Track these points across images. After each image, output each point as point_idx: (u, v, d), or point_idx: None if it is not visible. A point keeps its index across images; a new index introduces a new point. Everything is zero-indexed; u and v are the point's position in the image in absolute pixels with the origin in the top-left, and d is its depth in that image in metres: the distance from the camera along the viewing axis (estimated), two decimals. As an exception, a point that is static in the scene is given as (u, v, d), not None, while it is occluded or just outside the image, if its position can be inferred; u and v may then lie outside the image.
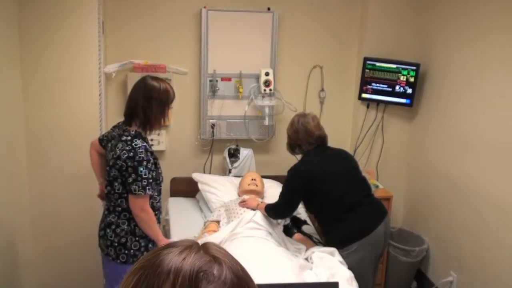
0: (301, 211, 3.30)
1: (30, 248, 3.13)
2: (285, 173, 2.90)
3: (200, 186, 3.48)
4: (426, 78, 3.62)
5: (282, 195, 2.81)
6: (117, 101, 3.49)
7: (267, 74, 3.56)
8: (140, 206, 2.38)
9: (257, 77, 3.63)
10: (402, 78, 3.61)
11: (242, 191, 3.32)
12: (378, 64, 3.65)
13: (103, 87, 3.31)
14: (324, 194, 2.74)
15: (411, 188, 3.91)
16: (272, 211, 2.85)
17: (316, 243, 2.94)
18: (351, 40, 3.82)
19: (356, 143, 3.84)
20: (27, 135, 3.00)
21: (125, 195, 2.41)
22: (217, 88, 3.62)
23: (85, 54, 2.99)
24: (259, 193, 3.30)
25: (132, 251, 2.45)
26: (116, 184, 2.40)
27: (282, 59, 3.73)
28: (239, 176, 3.56)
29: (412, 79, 3.58)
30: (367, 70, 3.68)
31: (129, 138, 2.37)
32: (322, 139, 2.88)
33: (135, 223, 2.44)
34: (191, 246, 0.73)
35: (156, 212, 2.52)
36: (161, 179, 2.55)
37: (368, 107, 3.79)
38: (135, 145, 2.33)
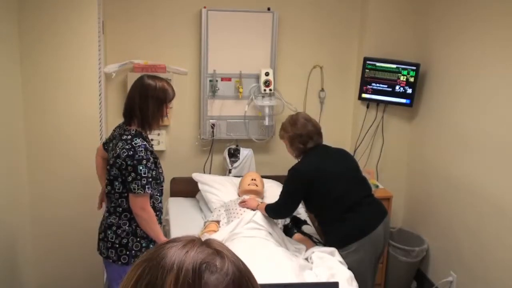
0: (301, 211, 3.30)
1: (30, 248, 3.13)
2: (285, 173, 2.90)
3: (200, 186, 3.48)
4: (426, 78, 3.62)
5: (282, 195, 2.81)
6: (117, 101, 3.49)
7: (267, 74, 3.56)
8: (140, 205, 2.37)
9: (257, 77, 3.63)
10: (402, 78, 3.61)
11: (242, 191, 3.32)
12: (378, 64, 3.65)
13: (103, 87, 3.31)
14: (324, 194, 2.74)
15: (411, 188, 3.91)
16: (272, 211, 2.85)
17: (316, 243, 2.94)
18: (351, 40, 3.82)
19: (356, 143, 3.84)
20: (27, 135, 3.00)
21: (126, 194, 2.40)
22: (217, 88, 3.62)
23: (85, 54, 2.99)
24: (259, 193, 3.30)
25: (133, 252, 2.44)
26: (117, 183, 2.40)
27: (282, 59, 3.73)
28: (239, 176, 3.56)
29: (412, 79, 3.58)
30: (367, 70, 3.68)
31: (129, 137, 2.37)
32: (320, 134, 2.90)
33: (136, 224, 2.43)
34: (193, 240, 0.75)
35: (157, 213, 2.52)
36: (162, 179, 2.55)
37: (368, 107, 3.79)
38: (135, 144, 2.33)
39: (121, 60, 3.46)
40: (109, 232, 2.46)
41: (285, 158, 3.23)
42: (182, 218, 3.31)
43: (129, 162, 2.32)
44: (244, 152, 3.72)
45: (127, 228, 2.44)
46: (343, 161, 2.89)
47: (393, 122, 3.84)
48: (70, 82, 3.00)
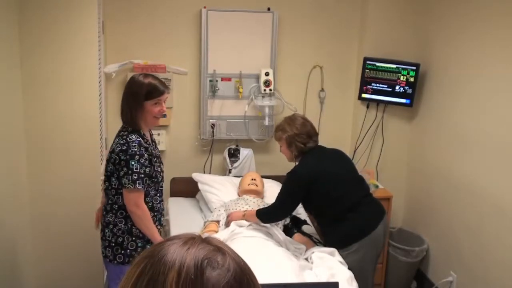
0: (301, 211, 3.29)
1: (30, 248, 3.13)
2: (285, 173, 2.90)
3: (200, 186, 3.48)
4: (426, 78, 3.62)
5: (280, 197, 2.79)
6: (117, 101, 3.45)
7: (267, 74, 3.56)
8: (134, 201, 2.37)
9: (257, 77, 3.63)
10: (402, 78, 3.61)
11: (242, 191, 3.32)
12: (378, 64, 3.65)
13: (103, 87, 3.31)
14: (324, 195, 2.73)
15: (411, 188, 3.91)
16: (267, 215, 2.81)
17: (316, 243, 2.94)
18: (351, 40, 3.82)
19: (356, 143, 3.84)
20: (27, 135, 3.00)
21: (121, 191, 2.41)
22: (217, 88, 3.62)
23: (85, 54, 2.99)
24: (259, 193, 3.30)
25: (128, 251, 2.44)
26: (113, 179, 2.41)
27: (282, 59, 3.73)
28: (239, 176, 3.56)
29: (412, 79, 3.58)
30: (367, 70, 3.68)
31: (125, 133, 2.40)
32: (316, 135, 2.91)
33: (132, 223, 2.44)
34: (193, 238, 0.76)
35: (156, 213, 2.52)
36: (160, 178, 2.54)
37: (368, 107, 3.79)
38: (129, 139, 2.35)
39: (121, 60, 3.46)
40: (106, 231, 2.47)
41: (285, 158, 3.22)
42: (182, 218, 3.32)
43: (122, 157, 2.34)
44: (244, 152, 3.72)
45: (122, 226, 2.45)
46: (340, 161, 2.88)
47: (393, 122, 3.84)
48: (70, 82, 3.00)
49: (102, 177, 2.59)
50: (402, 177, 3.95)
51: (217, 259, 0.72)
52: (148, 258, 0.73)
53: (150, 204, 2.47)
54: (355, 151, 3.84)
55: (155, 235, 2.43)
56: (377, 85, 3.68)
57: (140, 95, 2.39)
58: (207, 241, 0.75)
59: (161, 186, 2.58)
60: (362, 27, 3.75)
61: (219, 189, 3.41)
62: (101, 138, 3.17)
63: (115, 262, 2.45)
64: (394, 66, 3.62)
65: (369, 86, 3.70)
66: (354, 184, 2.83)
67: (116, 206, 2.45)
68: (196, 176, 3.54)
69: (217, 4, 3.55)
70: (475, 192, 3.09)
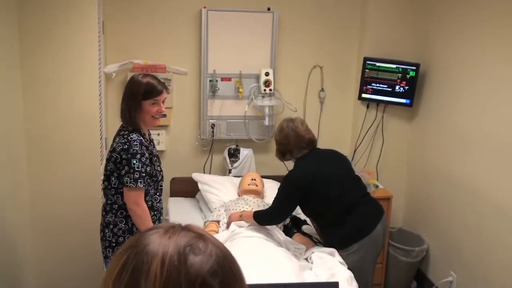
0: (301, 211, 3.29)
1: (30, 247, 3.13)
2: (285, 173, 2.90)
3: (200, 186, 3.48)
4: (426, 78, 3.62)
5: (277, 200, 2.77)
6: (117, 101, 3.45)
7: (267, 74, 3.56)
8: (134, 200, 2.38)
9: (257, 77, 3.63)
10: (402, 78, 3.61)
11: (242, 191, 3.32)
12: (378, 64, 3.65)
13: (103, 87, 3.31)
14: (321, 197, 2.72)
15: (411, 188, 3.91)
16: (264, 218, 2.80)
17: (316, 243, 2.94)
18: (351, 40, 3.82)
19: (356, 143, 3.84)
20: (27, 135, 3.00)
21: (121, 190, 2.41)
22: (217, 88, 3.62)
23: (85, 54, 2.99)
24: (259, 193, 3.30)
25: None
26: (113, 178, 2.41)
27: (282, 59, 3.73)
28: (239, 176, 3.56)
29: (412, 79, 3.58)
30: (367, 70, 3.68)
31: (126, 132, 2.41)
32: (313, 142, 2.85)
33: (133, 222, 2.44)
34: (174, 226, 0.78)
35: (156, 212, 2.52)
36: (159, 177, 2.55)
37: (368, 107, 3.79)
38: (131, 138, 2.36)
39: (121, 60, 3.46)
40: (106, 231, 2.47)
41: (285, 158, 3.23)
42: (182, 218, 3.31)
43: (123, 156, 2.34)
44: (244, 152, 3.72)
45: (123, 226, 2.45)
46: (337, 162, 2.87)
47: (393, 122, 3.84)
48: (70, 82, 3.00)
49: (102, 177, 2.59)
50: (402, 177, 3.95)
51: (199, 245, 0.73)
52: (131, 248, 0.74)
53: (150, 203, 2.48)
54: (355, 151, 3.84)
55: None
56: (377, 85, 3.68)
57: (138, 95, 2.40)
58: (187, 228, 0.77)
59: (161, 185, 2.59)
60: (362, 27, 3.75)
61: (219, 189, 3.41)
62: (101, 138, 3.17)
63: None
64: (394, 66, 3.61)
65: (369, 86, 3.70)
66: (351, 184, 2.82)
67: (116, 206, 2.45)
68: (196, 176, 3.54)
69: (217, 4, 3.55)
70: (475, 192, 3.09)
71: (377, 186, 3.66)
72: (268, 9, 3.60)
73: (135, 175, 2.34)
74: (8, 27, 2.76)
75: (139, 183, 2.35)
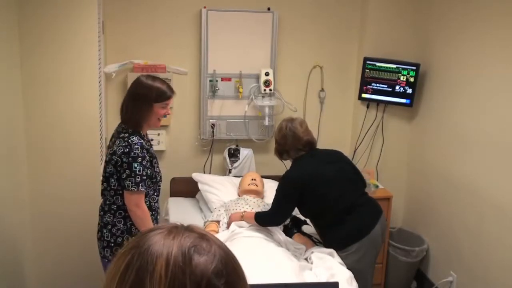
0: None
1: (30, 246, 3.13)
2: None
3: (200, 186, 3.48)
4: (426, 78, 3.62)
5: (275, 202, 2.78)
6: (117, 101, 3.47)
7: (267, 74, 3.56)
8: (135, 202, 2.38)
9: (257, 77, 3.63)
10: (402, 78, 3.61)
11: (242, 191, 3.32)
12: (378, 64, 3.65)
13: (103, 87, 3.31)
14: (319, 198, 2.72)
15: (411, 188, 3.91)
16: (264, 219, 2.81)
17: (316, 243, 2.94)
18: (351, 40, 3.82)
19: (356, 143, 3.84)
20: (27, 135, 3.00)
21: (121, 192, 2.42)
22: (217, 88, 3.62)
23: (85, 54, 2.99)
24: (259, 193, 3.30)
25: None
26: (112, 180, 2.41)
27: (282, 59, 3.73)
28: (239, 176, 3.56)
29: (412, 79, 3.58)
30: (367, 70, 3.68)
31: (126, 135, 2.39)
32: (311, 144, 2.85)
33: (131, 222, 2.45)
34: (177, 226, 0.78)
35: (153, 212, 2.52)
36: (158, 178, 2.55)
37: (368, 107, 3.79)
38: (131, 141, 2.35)
39: (121, 60, 3.46)
40: (104, 231, 2.47)
41: (285, 158, 3.23)
42: (182, 218, 3.30)
43: (124, 159, 2.34)
44: (244, 152, 3.72)
45: (122, 226, 2.45)
46: (334, 162, 2.86)
47: (393, 122, 3.84)
48: (70, 82, 3.00)
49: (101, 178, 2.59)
50: (402, 177, 3.95)
51: (203, 245, 0.74)
52: (134, 248, 0.74)
53: (148, 204, 2.48)
54: (355, 151, 3.84)
55: None
56: (377, 85, 3.68)
57: (150, 98, 2.41)
58: (190, 229, 0.78)
59: (159, 186, 2.59)
60: (362, 27, 3.75)
61: (219, 189, 3.41)
62: (101, 138, 3.17)
63: None
64: (394, 66, 3.62)
65: (369, 86, 3.70)
66: (349, 185, 2.81)
67: (115, 206, 2.45)
68: (196, 176, 3.54)
69: (217, 4, 3.55)
70: (475, 192, 3.09)
71: (377, 186, 3.66)
72: (268, 9, 3.60)
73: (137, 179, 2.34)
74: (8, 27, 2.76)
75: (140, 187, 2.36)
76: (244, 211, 2.94)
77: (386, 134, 3.83)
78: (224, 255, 0.75)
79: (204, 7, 3.50)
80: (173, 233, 0.75)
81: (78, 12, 2.93)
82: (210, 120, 3.68)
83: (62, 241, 3.19)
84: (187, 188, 3.61)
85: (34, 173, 3.06)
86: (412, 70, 3.57)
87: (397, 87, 3.63)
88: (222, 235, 2.79)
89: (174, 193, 3.66)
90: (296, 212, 2.95)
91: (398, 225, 3.93)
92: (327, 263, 2.58)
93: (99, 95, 3.12)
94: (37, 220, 3.12)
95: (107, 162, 2.42)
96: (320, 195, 2.71)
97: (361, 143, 3.82)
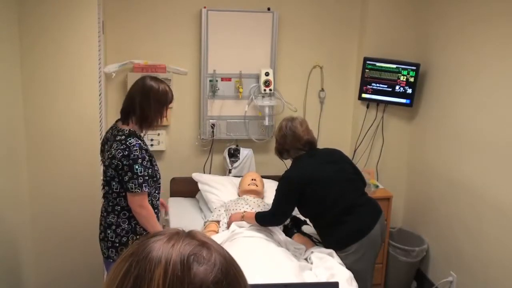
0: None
1: (30, 247, 3.13)
2: (285, 173, 2.90)
3: (200, 186, 3.48)
4: (426, 78, 3.62)
5: (275, 203, 2.78)
6: (117, 101, 3.48)
7: (267, 74, 3.56)
8: (138, 203, 2.39)
9: (257, 77, 3.63)
10: (402, 78, 3.61)
11: (242, 191, 3.32)
12: (378, 64, 3.65)
13: (103, 87, 3.31)
14: (318, 198, 2.72)
15: (411, 188, 3.91)
16: (264, 220, 2.81)
17: (316, 243, 2.94)
18: (351, 40, 3.82)
19: (356, 143, 3.84)
20: (27, 134, 3.00)
21: (123, 193, 2.42)
22: (217, 88, 3.62)
23: (85, 54, 2.99)
24: (259, 193, 3.30)
25: None
26: (114, 183, 2.41)
27: (282, 59, 3.73)
28: (239, 176, 3.56)
29: (412, 79, 3.58)
30: (367, 70, 3.68)
31: (123, 137, 2.39)
32: (311, 144, 2.85)
33: (136, 222, 2.45)
34: (178, 233, 0.76)
35: (156, 210, 2.53)
36: (158, 176, 2.56)
37: (368, 107, 3.79)
38: (129, 143, 2.35)
39: (121, 60, 3.46)
40: (109, 232, 2.47)
41: (285, 158, 3.23)
42: (182, 218, 3.31)
43: (124, 162, 2.34)
44: (244, 152, 3.72)
45: (126, 226, 2.46)
46: (335, 162, 2.85)
47: (393, 122, 3.84)
48: (70, 82, 3.00)
49: (101, 181, 2.59)
50: (402, 177, 3.95)
51: (203, 254, 0.72)
52: (133, 255, 0.73)
53: (150, 202, 2.49)
54: (355, 151, 3.84)
55: None
56: (377, 85, 3.68)
57: (164, 102, 2.49)
58: (191, 236, 0.76)
59: (159, 183, 2.60)
60: (362, 27, 3.75)
61: (219, 189, 3.41)
62: (101, 138, 3.17)
63: None
64: (394, 66, 3.62)
65: (369, 86, 3.70)
66: (349, 185, 2.81)
67: (118, 207, 2.45)
68: (196, 176, 3.54)
69: (217, 4, 3.55)
70: (475, 192, 3.09)
71: (377, 186, 3.66)
72: (268, 9, 3.60)
73: (139, 180, 2.35)
74: (8, 26, 2.76)
75: (144, 187, 2.37)
76: (245, 212, 2.94)
77: (386, 134, 3.83)
78: (225, 264, 0.73)
79: (204, 7, 3.50)
80: (173, 240, 0.74)
81: (78, 12, 2.93)
82: (210, 120, 3.68)
83: (62, 241, 3.18)
84: (187, 188, 3.61)
85: (34, 173, 3.06)
86: (412, 70, 3.57)
87: (397, 87, 3.63)
88: (222, 235, 2.79)
89: (174, 193, 3.66)
90: (296, 212, 2.95)
91: (398, 225, 3.93)
92: (327, 263, 2.58)
93: (99, 95, 3.12)
94: (37, 220, 3.12)
95: (106, 167, 2.41)
96: (319, 195, 2.71)
97: (361, 143, 3.82)
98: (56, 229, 3.16)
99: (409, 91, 3.61)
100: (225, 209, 3.14)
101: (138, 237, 2.46)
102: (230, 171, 3.69)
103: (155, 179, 2.51)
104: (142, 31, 3.53)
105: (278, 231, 2.85)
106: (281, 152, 2.90)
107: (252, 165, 3.74)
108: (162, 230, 0.78)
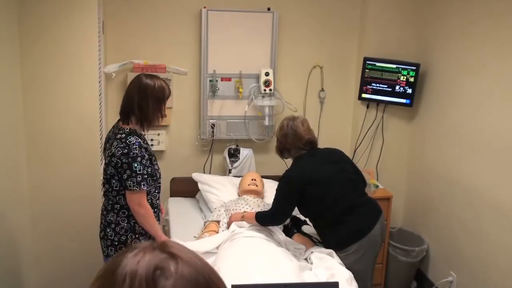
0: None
1: (30, 247, 3.13)
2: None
3: (200, 186, 3.48)
4: (426, 78, 3.62)
5: (276, 202, 2.78)
6: (117, 101, 3.45)
7: (267, 74, 3.56)
8: (137, 201, 2.40)
9: (257, 77, 3.63)
10: (402, 78, 3.61)
11: (242, 191, 3.32)
12: (378, 64, 3.65)
13: (103, 87, 3.31)
14: (319, 198, 2.72)
15: (411, 188, 3.91)
16: (265, 219, 2.80)
17: (316, 243, 2.94)
18: (351, 40, 3.82)
19: (356, 143, 3.84)
20: (27, 134, 3.00)
21: (123, 192, 2.43)
22: (217, 88, 3.62)
23: (85, 54, 2.99)
24: (259, 193, 3.30)
25: None
26: (114, 181, 2.42)
27: (282, 59, 3.73)
28: (239, 176, 3.56)
29: (412, 79, 3.58)
30: (367, 70, 3.68)
31: (123, 135, 2.40)
32: (312, 143, 2.85)
33: (135, 220, 2.46)
34: (145, 247, 0.73)
35: (155, 210, 2.54)
36: (158, 175, 2.57)
37: (368, 107, 3.79)
38: (129, 141, 2.36)
39: (121, 60, 3.46)
40: (108, 230, 2.48)
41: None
42: (182, 218, 3.31)
43: (124, 160, 2.35)
44: (244, 152, 3.72)
45: (125, 225, 2.46)
46: (336, 162, 2.85)
47: (393, 122, 3.84)
48: (70, 82, 3.00)
49: (101, 179, 2.59)
50: (402, 177, 3.95)
51: (170, 267, 0.69)
52: (102, 277, 0.71)
53: (150, 201, 2.50)
54: (355, 151, 3.84)
55: (158, 233, 2.47)
56: (377, 85, 3.68)
57: (162, 99, 2.48)
58: (160, 248, 0.72)
59: (159, 183, 2.60)
60: (362, 27, 3.75)
61: (219, 189, 3.41)
62: (101, 138, 3.17)
63: None
64: (394, 66, 3.62)
65: (369, 86, 3.70)
66: (349, 185, 2.80)
67: (118, 206, 2.46)
68: (196, 176, 3.54)
69: (217, 4, 3.55)
70: (474, 192, 3.09)
71: (377, 186, 3.66)
72: (268, 9, 3.60)
73: (138, 178, 2.36)
74: (8, 26, 2.76)
75: (142, 186, 2.38)
76: (245, 212, 2.94)
77: (386, 134, 3.83)
78: (193, 273, 0.70)
79: (204, 7, 3.50)
80: (139, 256, 0.70)
81: (78, 12, 2.93)
82: (210, 120, 3.68)
83: (62, 241, 3.19)
84: (187, 188, 3.61)
85: (34, 173, 3.06)
86: (412, 70, 3.57)
87: (397, 87, 3.63)
88: (222, 235, 2.79)
89: (174, 193, 3.66)
90: (296, 212, 2.95)
91: (398, 225, 3.93)
92: (327, 263, 2.58)
93: (99, 95, 3.12)
94: (37, 220, 3.12)
95: (107, 164, 2.43)
96: (320, 195, 2.71)
97: (361, 143, 3.82)
98: (56, 229, 3.16)
99: (409, 91, 3.61)
100: (225, 209, 3.14)
101: (137, 235, 2.47)
102: (230, 171, 3.69)
103: (154, 178, 2.52)
104: (142, 31, 3.53)
105: (278, 231, 2.85)
106: (282, 151, 2.90)
107: (252, 165, 3.74)
108: (133, 245, 0.75)
